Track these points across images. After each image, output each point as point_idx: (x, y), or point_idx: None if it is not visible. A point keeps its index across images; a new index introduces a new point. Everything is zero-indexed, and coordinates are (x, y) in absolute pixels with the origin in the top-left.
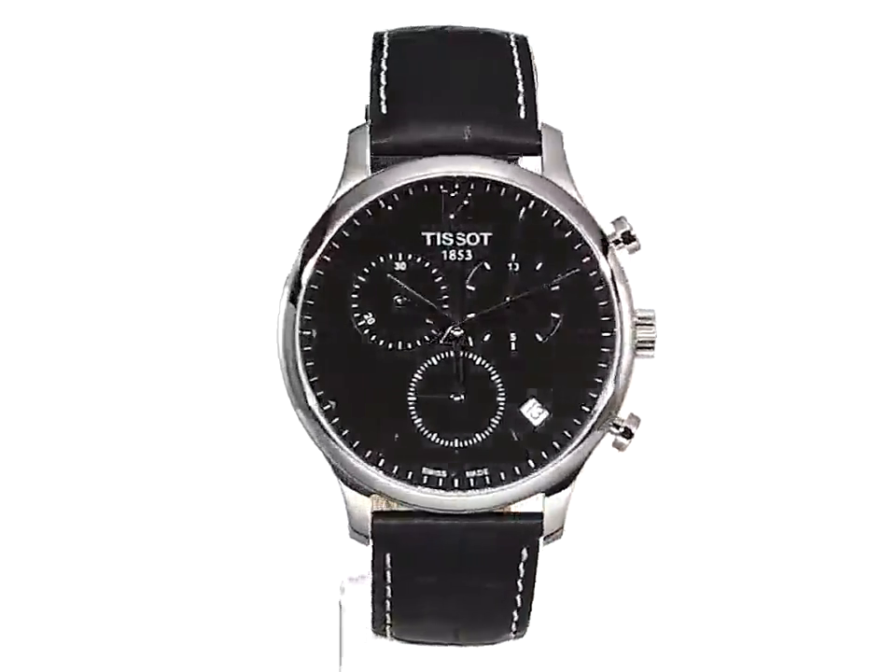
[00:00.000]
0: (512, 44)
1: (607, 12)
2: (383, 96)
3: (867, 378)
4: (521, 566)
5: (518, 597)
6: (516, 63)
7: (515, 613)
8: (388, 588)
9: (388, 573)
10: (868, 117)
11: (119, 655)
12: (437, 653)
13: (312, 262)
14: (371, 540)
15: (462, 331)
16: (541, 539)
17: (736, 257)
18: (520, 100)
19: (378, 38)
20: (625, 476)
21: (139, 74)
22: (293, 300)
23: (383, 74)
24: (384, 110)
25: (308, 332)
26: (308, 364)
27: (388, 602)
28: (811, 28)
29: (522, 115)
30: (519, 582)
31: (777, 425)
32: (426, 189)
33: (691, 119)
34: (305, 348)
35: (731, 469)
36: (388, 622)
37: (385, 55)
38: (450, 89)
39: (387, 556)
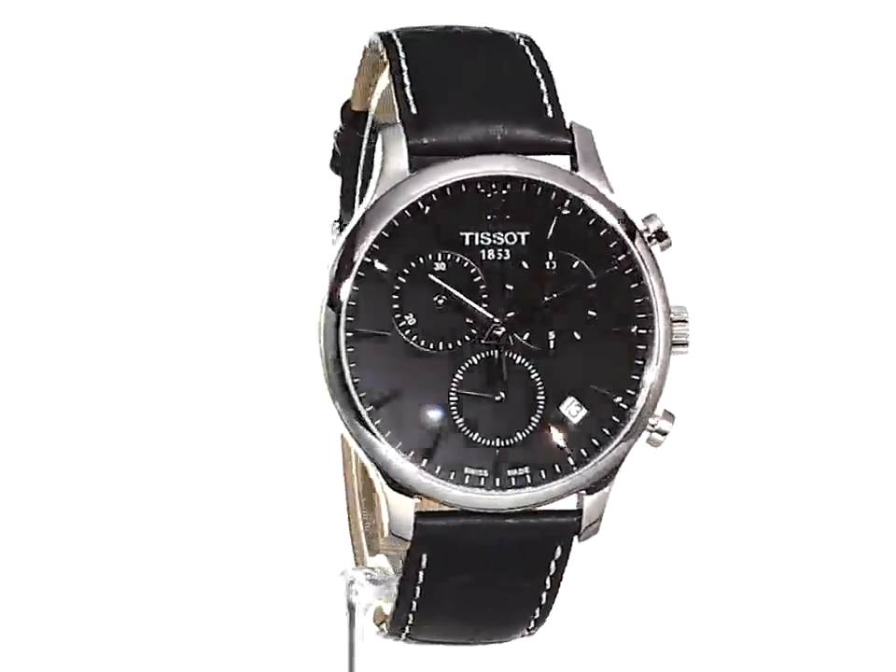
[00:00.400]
0: (522, 44)
1: (591, 10)
2: (409, 96)
3: (878, 377)
4: (553, 563)
5: (544, 595)
6: (532, 62)
7: (538, 611)
8: (418, 588)
9: (422, 573)
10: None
11: (122, 655)
12: (437, 653)
13: (353, 264)
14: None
15: (503, 331)
16: (577, 537)
17: (754, 252)
18: (545, 99)
19: (387, 38)
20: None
21: (146, 76)
22: (333, 303)
23: (405, 74)
24: (413, 110)
25: (350, 334)
26: (351, 366)
27: (415, 602)
28: (837, 26)
29: (549, 114)
30: (548, 580)
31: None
32: (463, 189)
33: (692, 118)
34: (349, 350)
35: (747, 468)
36: (410, 622)
37: (403, 55)
38: (476, 88)
39: (423, 556)
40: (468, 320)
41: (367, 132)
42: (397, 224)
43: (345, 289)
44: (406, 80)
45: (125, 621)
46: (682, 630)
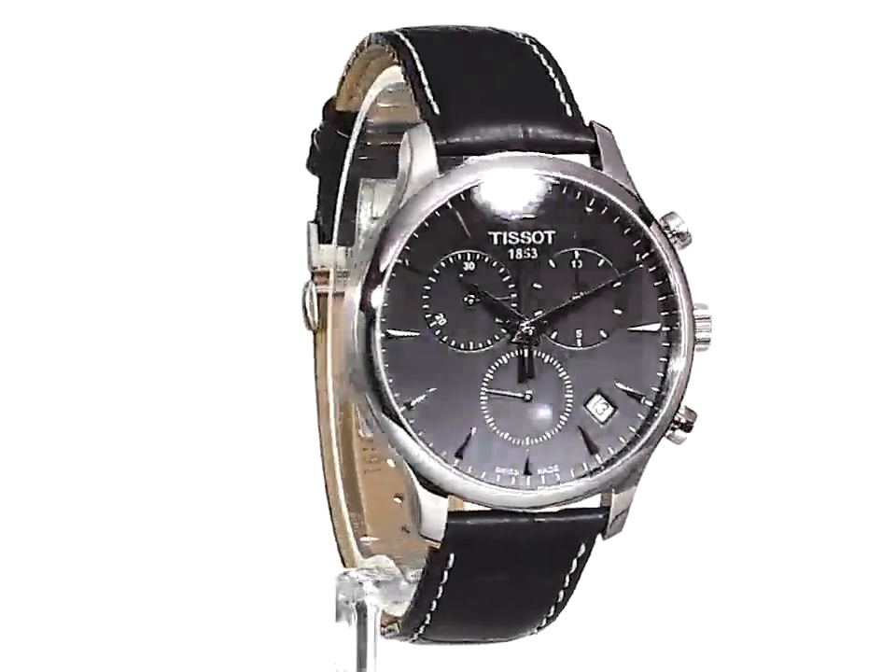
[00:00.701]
0: (529, 43)
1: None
2: (430, 96)
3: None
4: (575, 561)
5: (561, 593)
6: (544, 62)
7: (553, 609)
8: (441, 588)
9: (447, 573)
10: None
11: (117, 660)
12: (437, 653)
13: (385, 266)
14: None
15: (532, 330)
16: (601, 535)
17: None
18: (562, 99)
19: (394, 38)
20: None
21: (154, 79)
22: (366, 307)
23: (422, 75)
24: (436, 110)
25: (383, 335)
26: (385, 366)
27: (436, 602)
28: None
29: (569, 113)
30: (567, 578)
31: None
32: (490, 189)
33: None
34: (383, 351)
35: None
36: (427, 622)
37: (416, 55)
38: (495, 88)
39: (451, 556)
40: (497, 320)
41: (356, 132)
42: (427, 225)
43: (378, 293)
44: (424, 80)
45: (118, 626)
46: (683, 630)
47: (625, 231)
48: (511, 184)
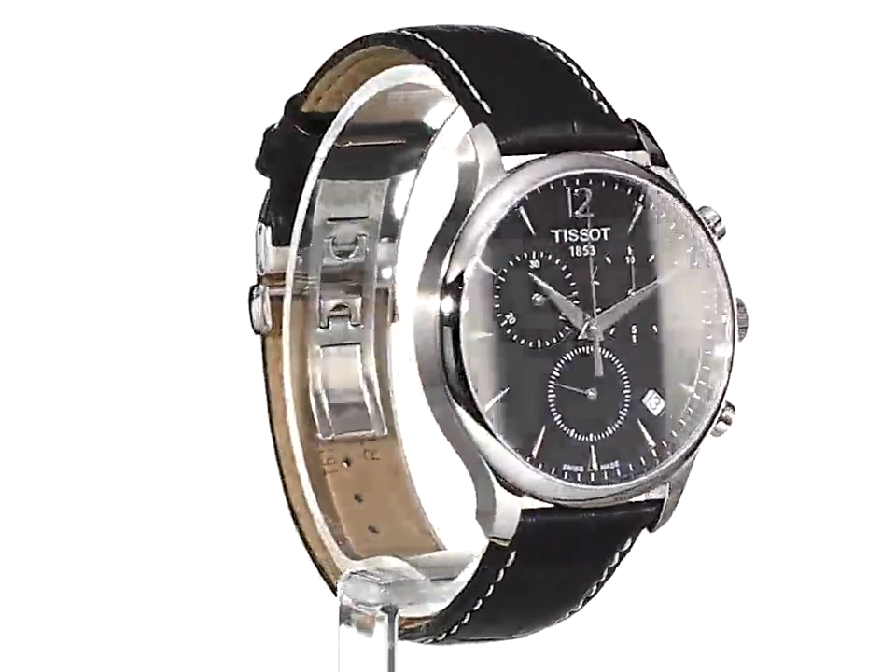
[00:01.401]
0: (540, 43)
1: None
2: (476, 96)
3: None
4: (618, 554)
5: (595, 585)
6: (564, 61)
7: (582, 602)
8: (492, 587)
9: (503, 571)
10: None
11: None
12: (437, 653)
13: (463, 268)
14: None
15: (594, 327)
16: (648, 529)
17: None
18: (594, 97)
19: (410, 38)
20: None
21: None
22: (447, 310)
23: (462, 74)
24: (488, 111)
25: (466, 338)
26: (469, 369)
27: (482, 601)
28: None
29: (606, 111)
30: (606, 570)
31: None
32: (551, 188)
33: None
34: (467, 355)
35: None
36: (465, 621)
37: (447, 54)
38: (534, 87)
39: (512, 554)
40: (561, 318)
41: (336, 132)
42: (499, 227)
43: (458, 297)
44: (466, 80)
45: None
46: (683, 630)
47: (671, 227)
48: (569, 182)
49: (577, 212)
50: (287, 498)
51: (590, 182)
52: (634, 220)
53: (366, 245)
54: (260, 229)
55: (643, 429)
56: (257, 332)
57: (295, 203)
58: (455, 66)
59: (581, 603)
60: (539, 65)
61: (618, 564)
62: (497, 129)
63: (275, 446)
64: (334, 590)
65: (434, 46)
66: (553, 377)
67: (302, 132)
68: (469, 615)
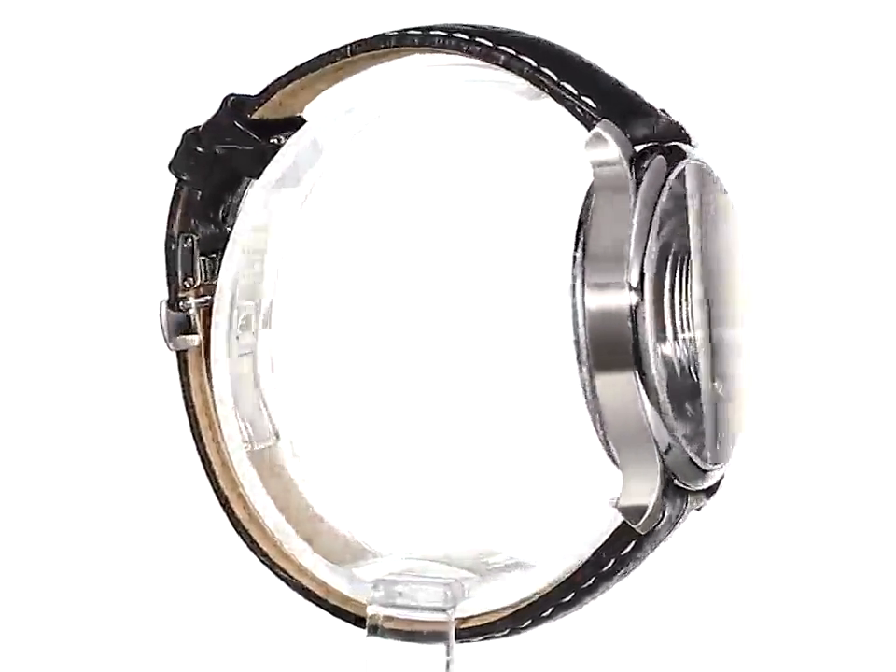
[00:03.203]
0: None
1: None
2: (579, 94)
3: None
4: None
5: None
6: (584, 59)
7: None
8: (595, 577)
9: (613, 559)
10: None
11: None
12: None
13: (641, 269)
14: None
15: (715, 320)
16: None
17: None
18: (639, 94)
19: (451, 38)
20: None
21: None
22: (636, 314)
23: (553, 75)
24: (597, 107)
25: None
26: (655, 371)
27: (574, 593)
28: None
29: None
30: None
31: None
32: (682, 179)
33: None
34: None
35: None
36: (550, 612)
37: (512, 51)
38: (614, 82)
39: (631, 543)
40: (699, 313)
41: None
42: (658, 225)
43: (637, 299)
44: (551, 74)
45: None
46: (684, 631)
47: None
48: (690, 172)
49: (695, 202)
50: (231, 511)
51: (699, 172)
52: (718, 203)
53: None
54: (184, 239)
55: (721, 416)
56: (174, 348)
57: (222, 211)
58: (527, 62)
59: None
60: (589, 67)
61: None
62: (622, 124)
63: (204, 461)
64: (324, 607)
65: (506, 48)
66: (694, 373)
67: (254, 136)
68: (555, 607)
